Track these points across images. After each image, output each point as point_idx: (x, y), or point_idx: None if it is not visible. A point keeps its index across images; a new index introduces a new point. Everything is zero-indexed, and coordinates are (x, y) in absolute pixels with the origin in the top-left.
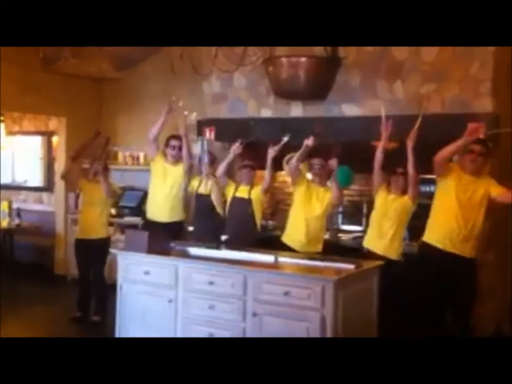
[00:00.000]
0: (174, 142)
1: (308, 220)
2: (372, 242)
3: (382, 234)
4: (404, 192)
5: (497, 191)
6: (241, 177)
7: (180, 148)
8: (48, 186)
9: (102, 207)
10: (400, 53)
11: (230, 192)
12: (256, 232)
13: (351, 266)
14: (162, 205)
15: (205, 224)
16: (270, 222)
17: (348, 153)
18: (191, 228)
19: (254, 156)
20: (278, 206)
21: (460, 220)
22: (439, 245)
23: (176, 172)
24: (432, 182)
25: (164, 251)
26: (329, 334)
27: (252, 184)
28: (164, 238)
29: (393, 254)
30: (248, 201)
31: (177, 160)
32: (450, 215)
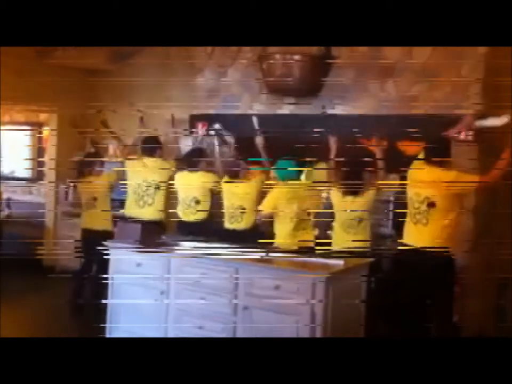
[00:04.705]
0: None
1: None
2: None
3: None
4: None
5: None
6: None
7: None
8: (37, 177)
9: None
10: (392, 53)
11: None
12: None
13: (340, 262)
14: None
15: None
16: None
17: (338, 151)
18: None
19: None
20: None
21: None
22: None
23: None
24: None
25: (156, 243)
26: (318, 328)
27: None
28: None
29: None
30: None
31: None
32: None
